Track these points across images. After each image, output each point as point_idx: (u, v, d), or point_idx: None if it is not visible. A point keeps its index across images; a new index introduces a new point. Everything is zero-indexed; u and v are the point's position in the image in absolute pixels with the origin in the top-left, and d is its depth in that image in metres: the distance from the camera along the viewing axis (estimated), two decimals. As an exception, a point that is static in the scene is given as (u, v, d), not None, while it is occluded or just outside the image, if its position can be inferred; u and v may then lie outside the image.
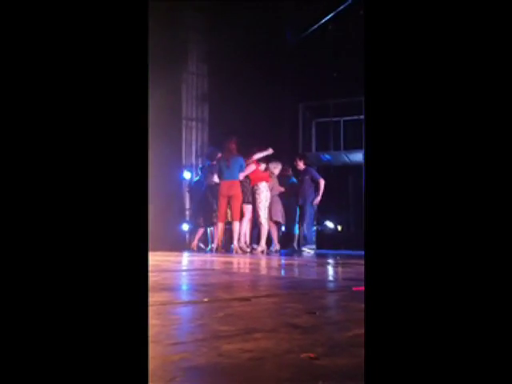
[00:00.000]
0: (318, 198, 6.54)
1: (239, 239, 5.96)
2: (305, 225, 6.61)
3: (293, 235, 6.99)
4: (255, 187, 6.10)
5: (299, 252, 6.60)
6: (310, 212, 6.63)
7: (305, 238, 6.63)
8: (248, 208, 6.02)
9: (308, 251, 6.41)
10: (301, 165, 6.82)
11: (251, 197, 6.06)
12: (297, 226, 6.79)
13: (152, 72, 1.07)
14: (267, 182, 6.24)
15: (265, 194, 6.16)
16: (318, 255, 6.06)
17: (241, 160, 6.01)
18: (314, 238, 6.75)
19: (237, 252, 5.87)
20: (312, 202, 6.56)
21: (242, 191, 5.97)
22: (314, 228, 6.89)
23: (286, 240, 7.05)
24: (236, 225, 5.95)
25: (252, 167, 6.10)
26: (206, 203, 6.59)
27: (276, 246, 6.52)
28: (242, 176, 6.00)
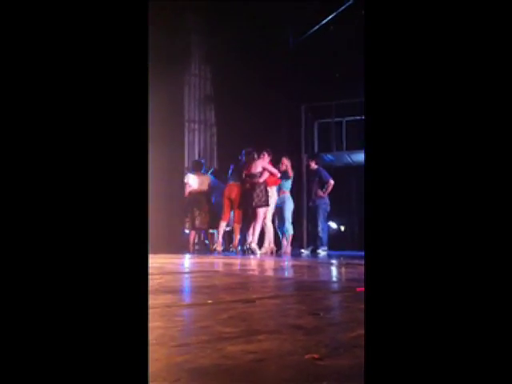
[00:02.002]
0: (321, 193, 6.53)
1: (252, 240, 6.03)
2: (320, 226, 6.58)
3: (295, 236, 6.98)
4: (268, 189, 6.18)
5: (301, 253, 6.59)
6: (322, 214, 6.61)
7: (320, 239, 6.61)
8: (262, 210, 6.08)
9: (322, 253, 6.40)
10: (313, 165, 6.81)
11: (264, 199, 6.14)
12: (291, 227, 6.74)
13: (154, 74, 1.07)
14: (277, 185, 6.41)
15: (275, 197, 6.38)
16: (320, 256, 6.05)
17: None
18: (327, 240, 6.72)
19: (237, 252, 6.07)
20: (316, 194, 6.56)
21: (259, 194, 6.03)
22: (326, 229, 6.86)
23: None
24: (237, 227, 6.26)
25: (267, 173, 6.19)
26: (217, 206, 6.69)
27: (288, 247, 6.55)
28: (261, 180, 6.14)
